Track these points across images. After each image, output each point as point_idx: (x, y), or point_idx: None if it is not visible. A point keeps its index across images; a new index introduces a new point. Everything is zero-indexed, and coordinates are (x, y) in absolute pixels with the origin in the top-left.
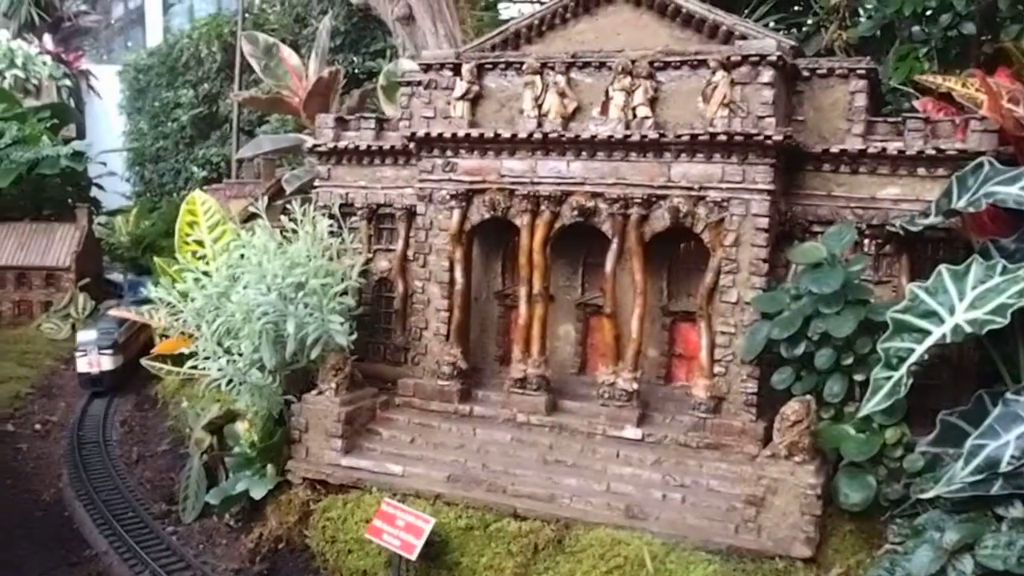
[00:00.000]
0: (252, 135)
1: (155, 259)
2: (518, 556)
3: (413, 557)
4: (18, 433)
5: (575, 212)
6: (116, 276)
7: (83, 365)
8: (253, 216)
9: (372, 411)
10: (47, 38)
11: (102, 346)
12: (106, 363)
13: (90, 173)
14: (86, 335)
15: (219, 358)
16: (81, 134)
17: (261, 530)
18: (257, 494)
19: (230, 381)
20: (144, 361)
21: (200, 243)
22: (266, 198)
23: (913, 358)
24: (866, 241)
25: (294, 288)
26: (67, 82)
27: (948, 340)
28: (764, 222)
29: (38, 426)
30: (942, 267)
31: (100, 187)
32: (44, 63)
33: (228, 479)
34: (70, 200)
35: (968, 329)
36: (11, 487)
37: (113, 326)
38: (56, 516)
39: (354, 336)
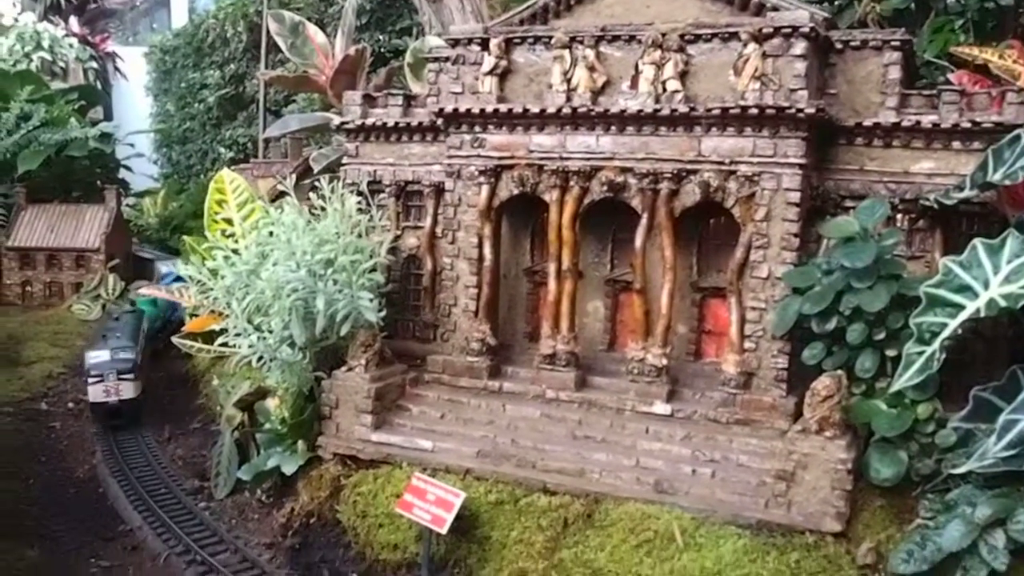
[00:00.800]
0: (279, 115)
1: (184, 238)
2: (548, 530)
3: (444, 531)
4: (52, 412)
5: (604, 187)
6: (145, 254)
7: (97, 394)
8: (281, 195)
9: (402, 387)
10: (73, 20)
11: (121, 370)
12: (127, 390)
13: (118, 155)
14: (98, 356)
15: (249, 335)
16: (108, 116)
17: (292, 505)
18: (288, 470)
19: (260, 358)
20: (175, 339)
21: (229, 221)
22: (294, 176)
23: (946, 333)
24: (899, 216)
25: (323, 265)
26: (93, 64)
27: (982, 315)
28: (795, 196)
29: (71, 405)
30: (977, 241)
31: (128, 168)
32: (70, 45)
33: (259, 455)
34: (99, 182)
35: (1003, 303)
36: (46, 464)
37: (128, 341)
38: (90, 492)
39: (383, 313)
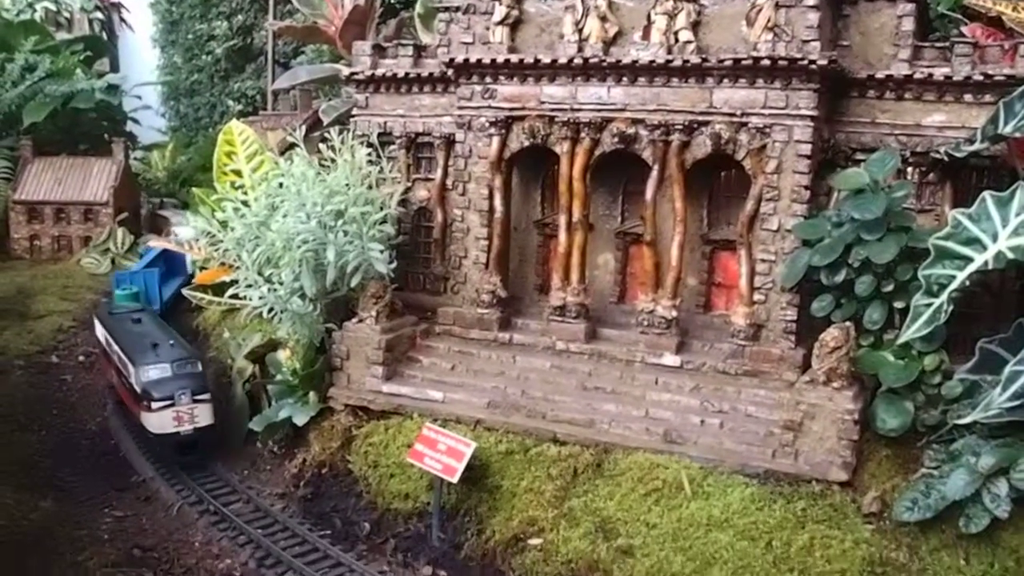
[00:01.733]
0: (288, 67)
1: (193, 190)
2: (558, 479)
3: (455, 480)
4: (63, 365)
5: (615, 139)
6: (167, 213)
7: (164, 423)
8: (291, 147)
9: (412, 339)
10: None
11: (196, 389)
12: (203, 415)
13: (125, 107)
14: (155, 371)
15: (260, 287)
16: (115, 68)
17: (304, 456)
18: (300, 421)
19: (271, 310)
20: (186, 291)
21: (238, 173)
22: (304, 128)
23: (954, 285)
24: (909, 169)
25: (333, 216)
26: (99, 15)
27: (990, 267)
28: (807, 149)
29: (82, 358)
30: (986, 194)
31: (136, 121)
32: None
33: (271, 407)
34: (106, 135)
35: (1011, 256)
36: (58, 417)
37: (183, 350)
38: (102, 444)
39: (394, 265)
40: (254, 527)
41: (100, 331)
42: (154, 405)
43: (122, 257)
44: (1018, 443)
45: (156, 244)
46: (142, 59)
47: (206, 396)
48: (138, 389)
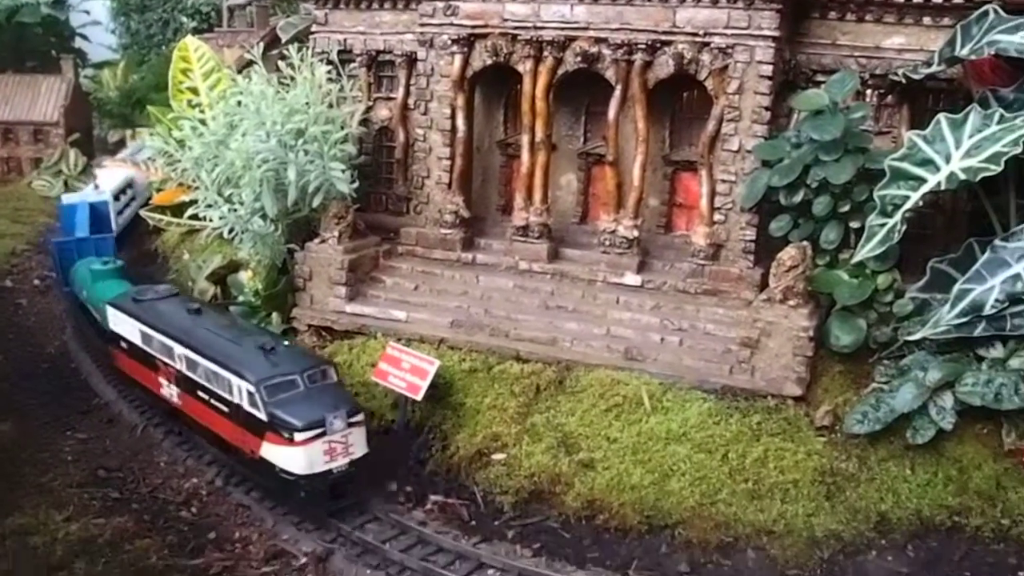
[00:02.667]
0: None
1: (149, 108)
2: (520, 396)
3: (419, 398)
4: (17, 289)
5: (578, 58)
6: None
7: (314, 459)
8: (248, 64)
9: (375, 259)
10: None
11: (351, 412)
12: (359, 444)
13: (73, 23)
14: (287, 386)
15: (220, 207)
16: None
17: None
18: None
19: (232, 230)
20: (143, 212)
21: (194, 91)
22: (261, 46)
23: (908, 205)
24: (868, 91)
25: (294, 135)
26: None
27: (943, 188)
28: (768, 69)
29: (37, 282)
30: (941, 116)
31: (84, 37)
32: None
33: None
34: (53, 52)
35: (963, 177)
36: (14, 341)
37: (308, 358)
38: (62, 368)
39: (355, 185)
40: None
41: (127, 324)
42: (298, 437)
43: (75, 179)
44: (964, 358)
45: (111, 165)
46: None
47: (360, 418)
48: (260, 414)
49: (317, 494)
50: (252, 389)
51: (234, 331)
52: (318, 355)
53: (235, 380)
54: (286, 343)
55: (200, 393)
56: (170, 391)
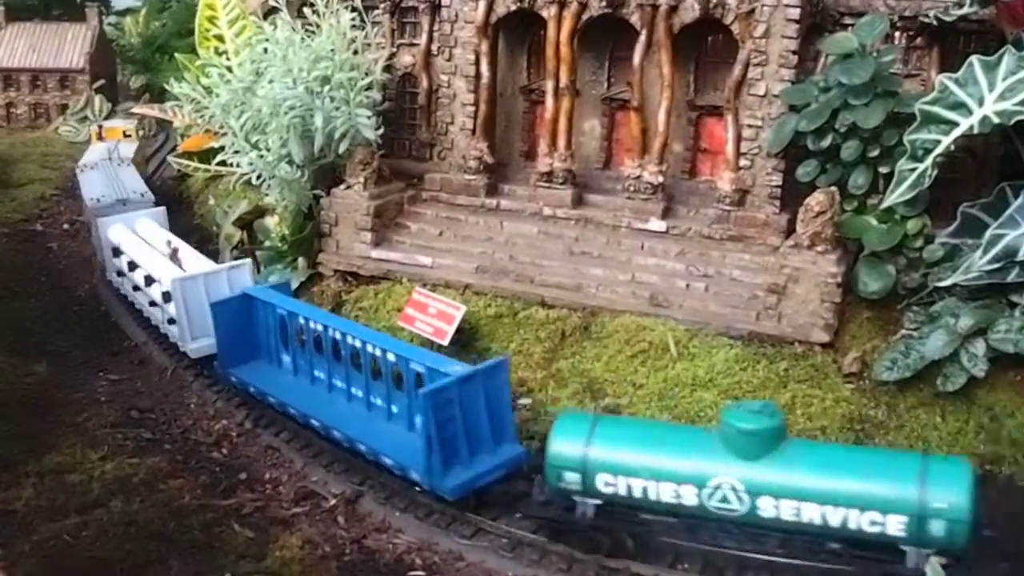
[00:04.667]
0: None
1: (176, 55)
2: (546, 342)
3: (445, 343)
4: (47, 233)
5: (603, 3)
6: None
7: None
8: (272, 11)
9: (400, 205)
10: None
11: None
12: None
13: None
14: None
15: (248, 153)
16: None
17: None
18: (290, 286)
19: (259, 176)
20: (171, 158)
21: (220, 38)
22: None
23: (939, 149)
24: (897, 33)
25: (320, 82)
26: None
27: (975, 132)
28: (795, 13)
29: (66, 226)
30: (973, 58)
31: None
32: None
33: (260, 272)
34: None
35: (996, 120)
36: (46, 284)
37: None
38: (93, 311)
39: (380, 131)
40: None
41: None
42: None
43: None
44: (996, 305)
45: (139, 111)
46: None
47: None
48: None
49: None
50: None
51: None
52: None
53: None
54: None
55: None
56: None
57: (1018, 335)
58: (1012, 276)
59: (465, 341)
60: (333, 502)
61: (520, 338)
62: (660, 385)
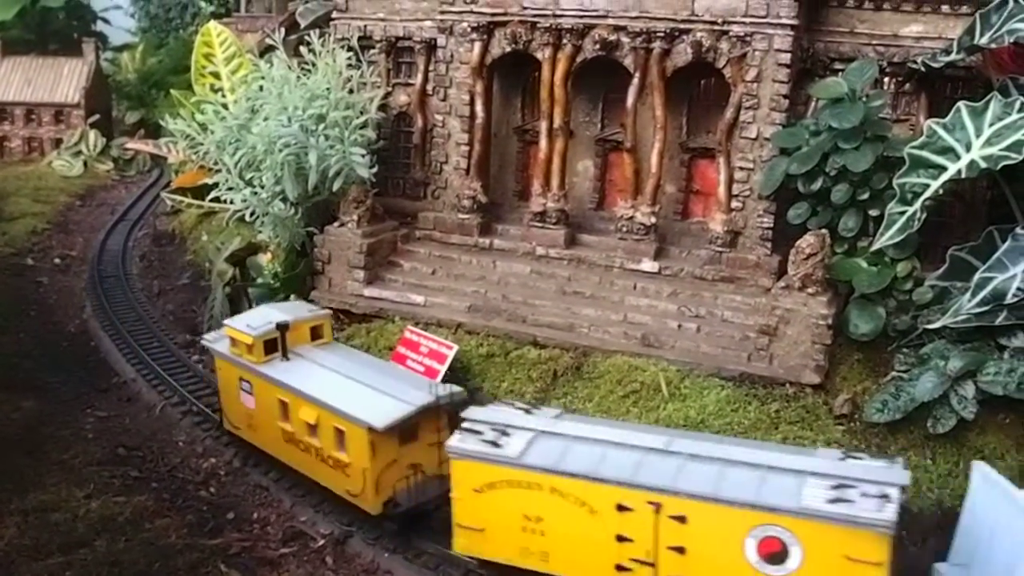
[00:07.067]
0: None
1: (172, 92)
2: (538, 382)
3: (437, 382)
4: (38, 267)
5: (597, 46)
6: None
7: None
8: (269, 49)
9: (393, 243)
10: None
11: None
12: None
13: (95, 6)
14: None
15: (242, 190)
16: None
17: None
18: None
19: (253, 212)
20: (164, 193)
21: (216, 75)
22: (283, 30)
23: (928, 193)
24: (886, 78)
25: (315, 120)
26: None
27: (963, 176)
28: (786, 57)
29: (57, 260)
30: (961, 104)
31: (106, 21)
32: None
33: (251, 309)
34: (75, 35)
35: (983, 165)
36: (36, 319)
37: None
38: (82, 346)
39: (375, 169)
40: None
41: None
42: None
43: (94, 160)
44: (985, 347)
45: (133, 146)
46: None
47: None
48: None
49: None
50: None
51: None
52: None
53: None
54: None
55: None
56: None
57: (1007, 378)
58: (1000, 319)
59: (457, 380)
60: (322, 542)
61: (512, 378)
62: (652, 425)
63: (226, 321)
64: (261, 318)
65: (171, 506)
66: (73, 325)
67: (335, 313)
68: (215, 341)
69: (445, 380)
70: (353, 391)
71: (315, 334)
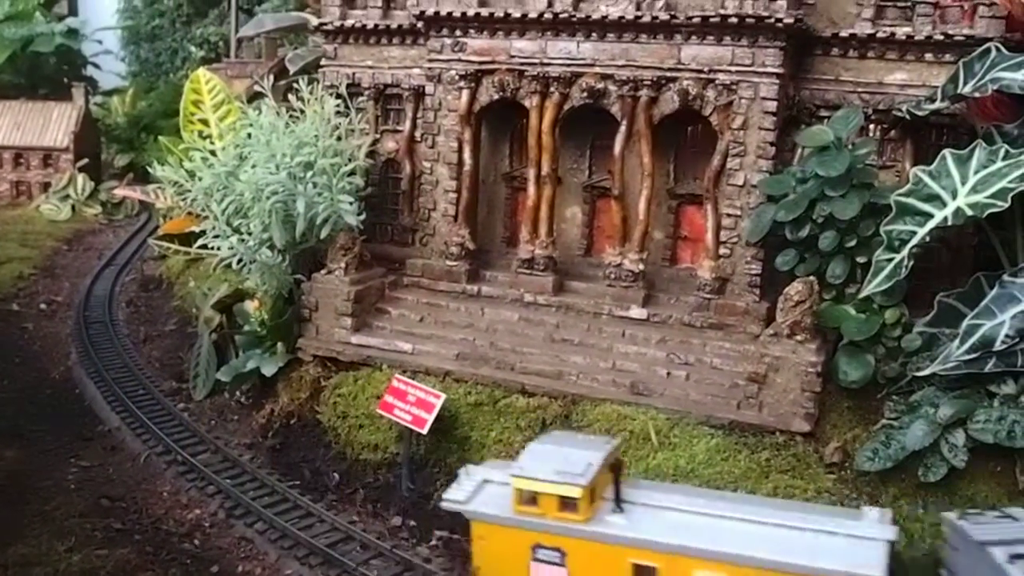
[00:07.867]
0: (252, 14)
1: (160, 138)
2: (526, 431)
3: (424, 431)
4: (23, 313)
5: (584, 94)
6: None
7: None
8: (257, 96)
9: (381, 290)
10: None
11: None
12: None
13: (85, 52)
14: None
15: (229, 237)
16: (74, 11)
17: (272, 406)
18: (268, 371)
19: (240, 260)
20: (152, 240)
21: (205, 122)
22: (272, 77)
23: (915, 240)
24: (872, 126)
25: (303, 167)
26: None
27: (949, 223)
28: (772, 105)
29: (43, 306)
30: (946, 151)
31: (96, 66)
32: None
33: (238, 357)
34: (65, 79)
35: (969, 212)
36: (20, 365)
37: None
38: (66, 393)
39: (362, 216)
40: (223, 477)
41: None
42: None
43: (83, 204)
44: (975, 394)
45: (121, 192)
46: (102, 2)
47: None
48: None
49: None
50: None
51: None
52: None
53: None
54: None
55: None
56: None
57: (997, 425)
58: (990, 366)
59: (445, 429)
60: None
61: (500, 427)
62: (641, 475)
63: (511, 472)
64: (556, 460)
65: (154, 559)
66: (58, 372)
67: (322, 361)
68: (469, 500)
69: (432, 429)
70: (778, 536)
71: (614, 469)
